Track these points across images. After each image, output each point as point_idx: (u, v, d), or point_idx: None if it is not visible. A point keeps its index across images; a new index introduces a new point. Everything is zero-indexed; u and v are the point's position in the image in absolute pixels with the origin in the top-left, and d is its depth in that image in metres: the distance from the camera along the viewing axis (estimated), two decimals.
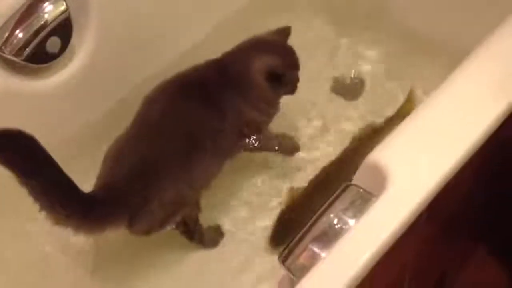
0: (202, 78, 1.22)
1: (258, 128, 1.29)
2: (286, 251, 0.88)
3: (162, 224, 1.16)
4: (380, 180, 0.86)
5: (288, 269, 0.87)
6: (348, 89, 1.52)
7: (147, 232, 1.15)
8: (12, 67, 1.20)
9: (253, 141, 1.30)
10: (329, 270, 0.81)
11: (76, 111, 1.32)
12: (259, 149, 1.32)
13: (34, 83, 1.24)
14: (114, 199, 1.08)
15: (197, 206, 1.25)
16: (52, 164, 0.98)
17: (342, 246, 0.83)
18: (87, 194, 1.06)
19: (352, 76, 1.53)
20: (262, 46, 1.25)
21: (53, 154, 1.00)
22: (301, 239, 0.88)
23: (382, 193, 0.85)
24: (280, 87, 1.25)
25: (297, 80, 1.28)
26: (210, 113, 1.17)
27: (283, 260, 0.88)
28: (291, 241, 0.88)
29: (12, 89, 1.21)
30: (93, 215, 1.06)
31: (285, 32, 1.28)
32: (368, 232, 0.83)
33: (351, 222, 0.87)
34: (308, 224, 0.88)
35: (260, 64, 1.21)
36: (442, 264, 1.25)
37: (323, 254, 0.86)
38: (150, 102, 1.19)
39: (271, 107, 1.29)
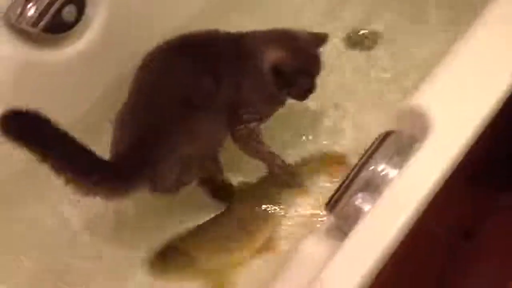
0: (208, 41, 1.20)
1: (250, 118, 1.22)
2: (333, 200, 0.88)
3: (179, 182, 1.17)
4: (422, 126, 0.87)
5: (337, 217, 0.87)
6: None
7: (169, 191, 1.16)
8: (29, 38, 1.18)
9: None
10: (376, 222, 0.82)
11: (91, 80, 1.30)
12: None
13: (51, 53, 1.23)
14: (132, 164, 1.09)
15: (215, 166, 1.25)
16: (66, 135, 0.99)
17: (388, 196, 0.83)
18: (107, 161, 1.07)
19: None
20: (285, 40, 1.21)
21: (69, 124, 1.01)
22: (347, 188, 0.88)
23: (425, 138, 0.85)
24: (284, 87, 1.20)
25: (309, 89, 1.22)
26: (207, 74, 1.15)
27: (331, 208, 0.88)
28: (338, 190, 0.88)
29: (29, 60, 1.20)
30: (117, 180, 1.07)
31: (320, 38, 1.25)
32: (413, 181, 0.84)
33: (395, 170, 0.87)
34: (353, 172, 0.88)
35: (273, 54, 1.18)
36: (468, 215, 1.26)
37: (368, 205, 0.86)
38: (149, 61, 1.18)
39: (269, 102, 1.25)
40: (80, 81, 1.28)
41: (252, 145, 1.24)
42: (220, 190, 1.27)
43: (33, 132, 0.97)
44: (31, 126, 0.97)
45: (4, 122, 0.94)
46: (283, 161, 1.27)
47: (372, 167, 0.88)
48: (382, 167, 0.88)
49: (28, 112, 0.96)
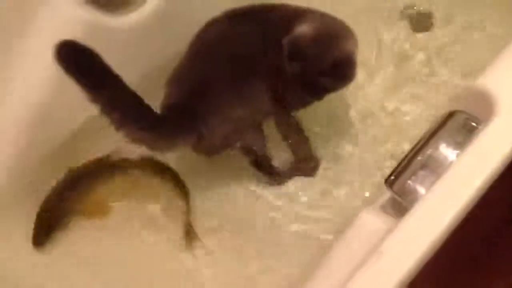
0: (264, 13, 1.20)
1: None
2: (392, 176, 0.90)
3: (222, 145, 1.19)
4: (486, 107, 0.87)
5: (395, 193, 0.89)
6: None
7: (212, 149, 1.19)
8: (97, 2, 1.21)
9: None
10: (436, 201, 0.83)
11: (151, 49, 1.32)
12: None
13: (116, 19, 1.25)
14: (181, 117, 1.12)
15: (259, 137, 1.26)
16: (119, 80, 1.00)
17: (449, 176, 0.84)
18: (156, 112, 1.09)
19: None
20: (323, 27, 1.13)
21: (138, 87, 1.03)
22: (407, 165, 0.90)
23: (489, 120, 0.85)
24: (299, 75, 1.11)
25: (325, 88, 1.13)
26: (258, 44, 1.15)
27: (390, 184, 0.89)
28: (398, 166, 0.90)
29: (96, 24, 1.22)
30: (164, 131, 1.09)
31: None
32: (474, 163, 0.84)
33: (456, 150, 0.88)
34: (415, 150, 0.89)
35: (295, 32, 1.11)
36: None
37: (428, 184, 0.87)
38: (206, 28, 1.21)
39: (287, 91, 1.18)
40: (143, 47, 1.30)
41: (293, 128, 1.27)
42: (261, 164, 1.28)
43: (89, 68, 0.96)
44: (88, 61, 0.96)
45: (61, 51, 0.94)
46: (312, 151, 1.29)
47: (434, 146, 0.89)
48: (443, 147, 0.89)
49: (85, 48, 0.96)
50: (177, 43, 1.28)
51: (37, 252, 1.20)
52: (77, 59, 0.95)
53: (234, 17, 1.20)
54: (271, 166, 1.28)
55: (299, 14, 1.17)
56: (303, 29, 1.11)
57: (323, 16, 1.18)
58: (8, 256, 1.18)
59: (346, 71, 1.11)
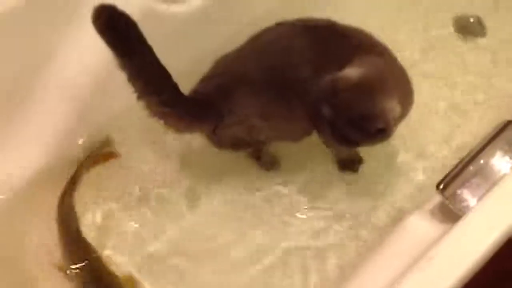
0: (327, 31, 1.14)
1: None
2: (444, 182, 0.89)
3: (231, 145, 1.18)
4: None
5: (448, 199, 0.88)
6: None
7: (219, 145, 1.18)
8: None
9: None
10: (489, 210, 0.82)
11: (203, 37, 1.33)
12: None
13: (172, 6, 1.28)
14: (203, 104, 1.11)
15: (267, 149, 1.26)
16: (151, 51, 1.01)
17: (504, 185, 0.83)
18: (181, 92, 1.08)
19: None
20: (372, 75, 1.03)
21: (179, 75, 1.05)
22: (460, 171, 0.89)
23: None
24: (328, 119, 1.03)
25: (353, 139, 1.04)
26: (316, 62, 1.09)
27: (442, 190, 0.88)
28: (451, 172, 0.89)
29: (154, 9, 1.25)
30: (183, 112, 1.09)
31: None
32: None
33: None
34: (469, 157, 0.88)
35: (339, 74, 1.03)
36: None
37: (481, 192, 0.86)
38: (276, 26, 1.18)
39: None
40: (196, 34, 1.32)
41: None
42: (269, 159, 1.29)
43: (123, 34, 0.97)
44: (124, 27, 0.97)
45: (99, 14, 0.94)
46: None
47: (489, 154, 0.88)
48: (499, 156, 0.88)
49: (123, 14, 0.96)
50: (216, 40, 1.29)
51: None
52: (113, 24, 0.96)
53: (302, 26, 1.14)
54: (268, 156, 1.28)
55: (364, 49, 1.09)
56: (349, 72, 1.02)
57: (385, 59, 1.10)
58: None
59: (372, 128, 1.00)
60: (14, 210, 1.18)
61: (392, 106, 1.00)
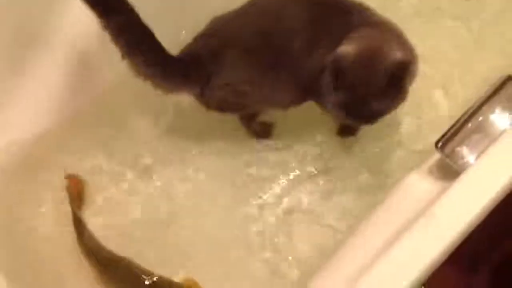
0: (328, 4, 1.10)
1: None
2: (444, 140, 0.88)
3: (218, 107, 1.17)
4: None
5: (446, 156, 0.88)
6: None
7: (208, 106, 1.17)
8: None
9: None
10: (490, 165, 0.82)
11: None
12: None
13: None
14: (190, 65, 1.10)
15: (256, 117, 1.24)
16: (133, 11, 1.00)
17: (504, 141, 0.82)
18: (167, 52, 1.07)
19: None
20: (367, 43, 1.00)
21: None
22: (460, 128, 0.88)
23: None
24: (344, 104, 1.00)
25: (379, 112, 1.00)
26: (310, 34, 1.07)
27: (442, 147, 0.88)
28: (450, 129, 0.88)
29: None
30: (169, 72, 1.08)
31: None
32: None
33: (511, 117, 0.87)
34: (468, 114, 0.88)
35: (335, 54, 0.99)
36: None
37: (481, 148, 0.85)
38: None
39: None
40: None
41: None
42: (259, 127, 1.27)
43: None
44: None
45: None
46: None
47: (489, 110, 0.87)
48: (499, 111, 0.87)
49: None
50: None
51: None
52: None
53: None
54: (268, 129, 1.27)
55: (361, 22, 1.06)
56: (346, 48, 0.99)
57: (383, 26, 1.07)
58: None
59: (402, 85, 0.97)
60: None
61: (399, 53, 0.98)
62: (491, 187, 0.78)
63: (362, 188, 1.17)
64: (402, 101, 1.00)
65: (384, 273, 0.74)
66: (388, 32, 1.06)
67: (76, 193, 1.17)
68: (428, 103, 1.23)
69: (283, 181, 1.22)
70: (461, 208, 0.78)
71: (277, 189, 1.21)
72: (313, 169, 1.23)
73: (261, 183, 1.22)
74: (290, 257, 1.12)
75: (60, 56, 1.22)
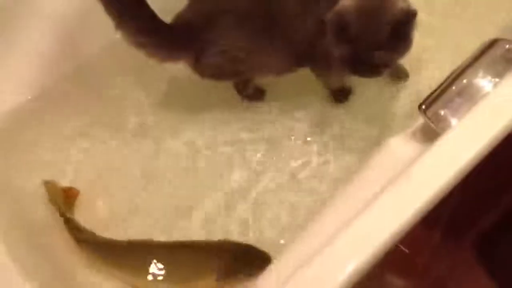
0: None
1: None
2: (427, 102, 0.88)
3: (214, 74, 1.17)
4: None
5: (430, 119, 0.87)
6: None
7: (203, 74, 1.17)
8: None
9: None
10: (470, 127, 0.82)
11: None
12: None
13: None
14: (185, 32, 1.10)
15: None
16: None
17: (485, 103, 0.82)
18: (161, 20, 1.07)
19: None
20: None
21: None
22: (443, 91, 0.88)
23: None
24: (349, 57, 0.99)
25: (385, 63, 1.00)
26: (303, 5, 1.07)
27: (425, 109, 0.88)
28: (433, 92, 0.88)
29: None
30: (163, 40, 1.08)
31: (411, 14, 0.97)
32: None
33: (495, 78, 0.86)
34: (452, 76, 0.88)
35: (336, 9, 0.98)
36: None
37: (464, 110, 0.85)
38: None
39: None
40: None
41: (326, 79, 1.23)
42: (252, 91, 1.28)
43: None
44: None
45: None
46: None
47: (472, 74, 0.87)
48: (482, 75, 0.87)
49: None
50: None
51: None
52: None
53: None
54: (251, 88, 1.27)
55: None
56: (346, 2, 0.98)
57: None
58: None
59: (406, 31, 0.97)
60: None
61: (398, 3, 0.96)
62: (468, 149, 0.78)
63: (353, 151, 1.18)
64: (407, 51, 0.99)
65: (355, 235, 0.75)
66: None
67: (67, 201, 1.14)
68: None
69: (276, 146, 1.23)
70: (436, 170, 0.78)
71: (271, 154, 1.22)
72: (306, 134, 1.24)
73: (254, 147, 1.23)
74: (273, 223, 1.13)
75: (44, 24, 1.22)
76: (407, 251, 1.16)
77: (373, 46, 0.96)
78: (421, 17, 0.97)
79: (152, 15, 1.05)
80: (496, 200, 1.20)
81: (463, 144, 0.79)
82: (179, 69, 1.17)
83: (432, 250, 1.21)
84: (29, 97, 1.25)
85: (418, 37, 0.99)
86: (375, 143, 1.14)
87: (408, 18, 0.95)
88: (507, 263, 1.20)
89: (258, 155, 1.22)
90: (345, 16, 0.96)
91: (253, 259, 1.01)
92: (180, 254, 1.05)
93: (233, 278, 1.00)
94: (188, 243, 1.07)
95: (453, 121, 0.86)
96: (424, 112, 0.88)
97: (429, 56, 1.24)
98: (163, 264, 1.02)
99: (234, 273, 1.00)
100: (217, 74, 1.17)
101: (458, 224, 1.20)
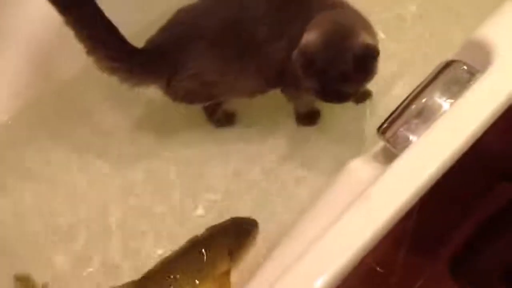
0: None
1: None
2: (386, 124, 0.90)
3: (185, 99, 1.19)
4: (484, 58, 0.86)
5: (388, 141, 0.89)
6: None
7: (175, 98, 1.18)
8: None
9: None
10: (427, 148, 0.83)
11: None
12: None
13: None
14: (156, 57, 1.12)
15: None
16: (95, 4, 1.01)
17: (442, 124, 0.84)
18: (131, 45, 1.08)
19: None
20: (331, 28, 1.03)
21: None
22: (401, 113, 0.89)
23: (487, 69, 0.85)
24: (319, 89, 1.05)
25: (343, 94, 1.06)
26: (274, 23, 1.11)
27: (383, 132, 0.89)
28: (391, 115, 0.90)
29: None
30: (134, 65, 1.10)
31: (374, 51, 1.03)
32: (468, 112, 0.84)
33: (451, 99, 0.88)
34: (409, 98, 0.89)
35: (302, 43, 1.02)
36: None
37: (421, 132, 0.87)
38: None
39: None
40: None
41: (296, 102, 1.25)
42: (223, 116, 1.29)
43: None
44: None
45: None
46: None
47: (429, 95, 0.88)
48: (438, 96, 0.88)
49: None
50: None
51: None
52: None
53: None
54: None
55: (322, 7, 1.09)
56: (311, 35, 1.02)
57: (344, 9, 1.11)
58: None
59: (369, 66, 1.03)
60: None
61: (363, 36, 1.02)
62: (424, 169, 0.79)
63: (324, 173, 1.21)
64: (371, 79, 1.04)
65: (315, 258, 0.75)
66: (349, 14, 1.09)
67: None
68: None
69: (249, 168, 1.25)
70: (394, 190, 0.79)
71: (244, 177, 1.24)
72: (275, 157, 1.25)
73: (227, 172, 1.25)
74: None
75: (20, 46, 1.24)
76: (381, 270, 1.17)
77: (338, 78, 1.01)
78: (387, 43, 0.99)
79: (123, 41, 1.07)
80: (465, 213, 1.22)
81: (418, 165, 0.81)
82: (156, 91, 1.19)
83: (406, 267, 1.21)
84: (5, 119, 1.26)
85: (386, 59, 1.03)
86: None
87: (370, 54, 1.00)
88: (481, 276, 1.21)
89: (229, 174, 1.24)
90: (310, 52, 1.01)
91: (244, 225, 1.13)
92: (192, 253, 1.10)
93: (240, 249, 1.11)
94: (192, 240, 1.12)
95: (411, 142, 0.87)
96: (383, 134, 0.89)
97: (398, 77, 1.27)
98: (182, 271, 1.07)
99: (239, 244, 1.11)
100: (189, 97, 1.18)
101: (430, 240, 1.21)
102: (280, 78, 1.13)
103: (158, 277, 1.08)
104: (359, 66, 1.00)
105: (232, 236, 1.12)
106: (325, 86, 1.03)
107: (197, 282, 1.07)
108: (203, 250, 1.09)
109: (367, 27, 1.08)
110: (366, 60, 1.01)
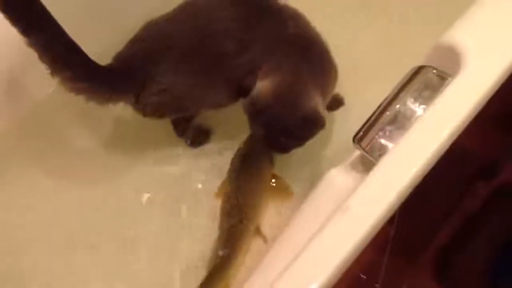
0: (263, 10, 1.14)
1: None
2: (360, 133, 0.89)
3: (155, 112, 1.17)
4: (454, 62, 0.87)
5: (364, 150, 0.89)
6: None
7: (145, 113, 1.17)
8: None
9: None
10: (402, 155, 0.83)
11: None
12: None
13: None
14: (123, 73, 1.10)
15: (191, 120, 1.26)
16: (56, 25, 0.99)
17: (415, 130, 0.84)
18: (95, 63, 1.07)
19: None
20: (284, 82, 1.08)
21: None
22: (375, 121, 0.89)
23: (456, 74, 0.85)
24: (263, 136, 1.11)
25: (290, 146, 1.14)
26: (241, 38, 1.10)
27: (358, 141, 0.89)
28: (365, 123, 0.89)
29: None
30: (100, 83, 1.08)
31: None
32: (440, 117, 0.84)
33: (424, 105, 0.88)
34: (382, 106, 0.89)
35: (253, 93, 1.08)
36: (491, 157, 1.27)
37: (396, 139, 0.87)
38: None
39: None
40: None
41: None
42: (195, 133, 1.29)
43: (26, 9, 0.96)
44: (26, 3, 0.96)
45: None
46: None
47: (402, 101, 0.88)
48: (411, 102, 0.88)
49: None
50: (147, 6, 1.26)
51: None
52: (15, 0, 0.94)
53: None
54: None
55: (291, 39, 1.12)
56: (264, 86, 1.07)
57: (308, 51, 1.13)
58: None
59: (311, 129, 1.10)
60: None
61: (316, 101, 1.07)
62: (402, 175, 0.79)
63: (302, 182, 1.21)
64: (316, 134, 1.10)
65: (296, 273, 0.75)
66: (313, 58, 1.11)
67: None
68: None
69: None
70: (374, 199, 0.79)
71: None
72: None
73: (199, 190, 1.24)
74: None
75: None
76: (365, 277, 1.16)
77: (283, 133, 1.08)
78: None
79: (87, 60, 1.05)
80: (445, 215, 1.22)
81: (395, 172, 0.80)
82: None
83: (390, 273, 1.21)
84: None
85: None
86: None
87: (318, 123, 1.08)
88: (465, 276, 1.21)
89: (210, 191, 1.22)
90: (260, 104, 1.06)
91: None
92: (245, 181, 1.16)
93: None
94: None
95: (388, 149, 0.87)
96: (358, 143, 0.89)
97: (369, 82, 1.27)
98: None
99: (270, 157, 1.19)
100: (158, 112, 1.17)
101: (412, 245, 1.21)
102: (242, 93, 1.13)
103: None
104: (305, 127, 1.08)
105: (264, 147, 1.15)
106: (270, 137, 1.09)
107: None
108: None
109: (326, 78, 1.13)
110: (312, 126, 1.08)
